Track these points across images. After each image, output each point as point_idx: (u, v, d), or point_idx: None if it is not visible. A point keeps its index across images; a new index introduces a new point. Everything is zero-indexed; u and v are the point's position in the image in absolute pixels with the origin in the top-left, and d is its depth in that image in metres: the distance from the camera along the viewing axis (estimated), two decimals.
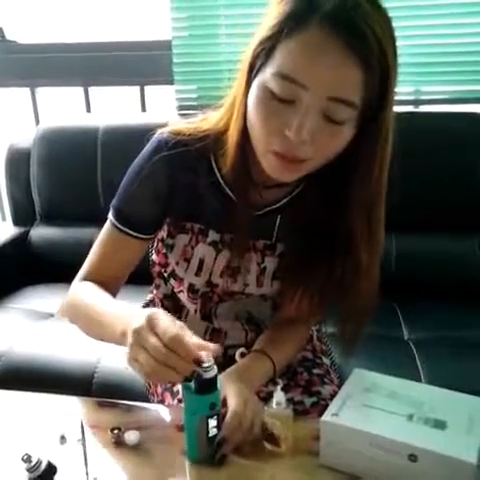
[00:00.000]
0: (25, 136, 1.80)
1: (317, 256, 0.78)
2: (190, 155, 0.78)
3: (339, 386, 0.90)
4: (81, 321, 0.81)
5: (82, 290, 0.81)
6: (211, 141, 0.77)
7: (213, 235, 0.82)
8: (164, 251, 0.87)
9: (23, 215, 1.81)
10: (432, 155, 1.55)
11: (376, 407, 0.66)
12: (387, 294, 1.51)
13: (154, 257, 0.91)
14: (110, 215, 0.83)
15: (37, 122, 2.03)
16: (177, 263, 0.84)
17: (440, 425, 0.63)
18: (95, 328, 0.76)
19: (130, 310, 0.68)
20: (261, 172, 0.73)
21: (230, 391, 0.70)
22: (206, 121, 0.80)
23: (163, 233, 0.86)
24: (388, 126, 0.70)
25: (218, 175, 0.79)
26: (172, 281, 0.89)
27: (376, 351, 1.28)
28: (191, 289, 0.86)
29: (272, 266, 0.83)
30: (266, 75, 0.64)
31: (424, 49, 1.69)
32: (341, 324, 0.82)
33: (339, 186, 0.73)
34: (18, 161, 1.77)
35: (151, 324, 0.59)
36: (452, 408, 0.66)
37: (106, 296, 0.78)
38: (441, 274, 1.53)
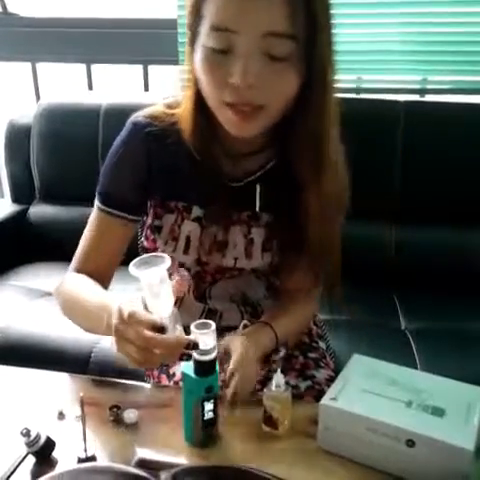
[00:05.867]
0: (25, 112, 1.77)
1: (299, 223, 0.79)
2: (164, 133, 0.79)
3: (334, 370, 0.91)
4: (74, 318, 0.83)
5: (72, 285, 0.83)
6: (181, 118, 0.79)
7: (196, 211, 0.82)
8: (152, 237, 0.87)
9: (22, 192, 1.80)
10: (435, 145, 1.54)
11: (375, 393, 0.67)
12: (386, 284, 1.53)
13: (145, 244, 0.91)
14: (96, 201, 0.85)
15: (38, 98, 2.00)
16: (165, 243, 0.84)
17: (439, 412, 0.63)
18: (85, 323, 0.81)
19: (110, 304, 0.68)
20: (232, 140, 0.75)
21: (234, 342, 0.74)
22: (176, 100, 0.82)
23: (150, 217, 0.86)
24: (326, 57, 0.69)
25: (192, 150, 0.80)
26: None
27: (372, 340, 1.29)
28: (181, 267, 0.87)
29: (260, 237, 0.84)
30: (202, 36, 0.67)
31: (432, 38, 1.67)
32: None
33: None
34: (18, 137, 1.76)
35: (122, 316, 0.62)
36: (451, 396, 0.66)
37: (93, 289, 0.79)
38: (441, 265, 1.53)
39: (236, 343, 0.75)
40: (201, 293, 0.90)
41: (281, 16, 0.64)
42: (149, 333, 0.60)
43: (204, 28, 0.67)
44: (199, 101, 0.74)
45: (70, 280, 0.84)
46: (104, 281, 0.85)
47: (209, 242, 0.83)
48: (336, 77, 0.72)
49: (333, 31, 0.70)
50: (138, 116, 0.82)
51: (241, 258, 0.84)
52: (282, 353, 0.71)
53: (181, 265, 0.86)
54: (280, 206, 0.80)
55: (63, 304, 0.84)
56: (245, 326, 0.83)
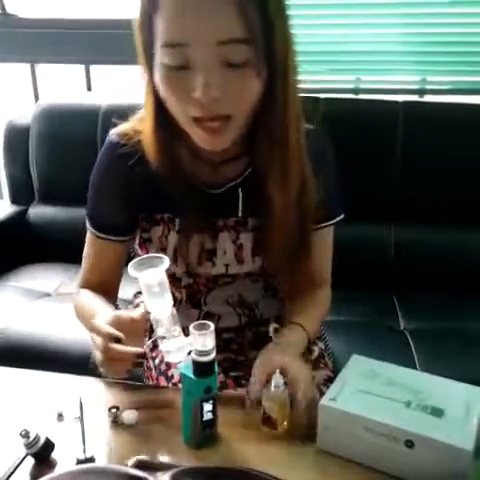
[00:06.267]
0: (24, 113, 1.78)
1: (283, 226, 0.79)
2: (135, 151, 0.79)
3: (333, 370, 0.91)
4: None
5: (80, 300, 0.86)
6: None
7: (180, 222, 0.82)
8: (145, 246, 0.87)
9: (21, 193, 1.80)
10: (434, 145, 1.54)
11: (374, 393, 0.67)
12: (385, 284, 1.54)
13: (139, 252, 0.91)
14: (87, 224, 0.87)
15: (37, 99, 2.00)
16: (157, 253, 0.84)
17: (437, 412, 0.63)
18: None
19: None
20: (203, 150, 0.74)
21: (297, 372, 0.72)
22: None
23: (139, 230, 0.86)
24: (286, 57, 0.68)
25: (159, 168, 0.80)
26: None
27: (371, 340, 1.29)
28: (172, 277, 0.86)
29: (249, 242, 0.83)
30: (157, 53, 0.66)
31: (431, 38, 1.68)
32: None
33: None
34: (17, 138, 1.76)
35: (93, 328, 0.67)
36: (450, 396, 0.66)
37: (94, 304, 0.82)
38: (440, 265, 1.53)
39: (295, 370, 0.72)
40: (196, 301, 0.90)
41: (233, 22, 0.62)
42: (111, 344, 0.64)
43: (157, 45, 0.66)
44: (160, 116, 0.73)
45: (78, 296, 0.87)
46: (111, 291, 0.88)
47: (197, 252, 0.82)
48: (298, 77, 0.71)
49: (291, 31, 0.68)
50: (113, 134, 0.82)
51: (232, 264, 0.84)
52: (278, 369, 0.71)
53: (172, 275, 0.86)
54: (263, 210, 0.79)
55: (78, 318, 0.88)
56: (276, 330, 0.81)
